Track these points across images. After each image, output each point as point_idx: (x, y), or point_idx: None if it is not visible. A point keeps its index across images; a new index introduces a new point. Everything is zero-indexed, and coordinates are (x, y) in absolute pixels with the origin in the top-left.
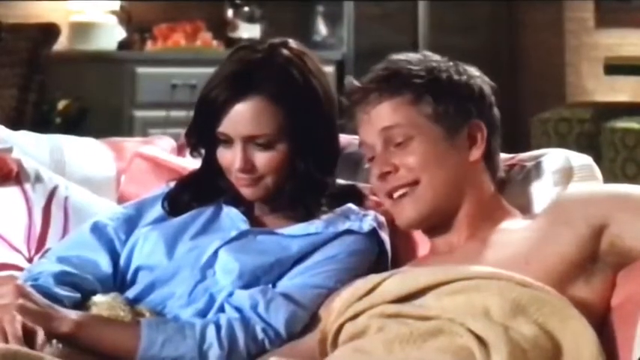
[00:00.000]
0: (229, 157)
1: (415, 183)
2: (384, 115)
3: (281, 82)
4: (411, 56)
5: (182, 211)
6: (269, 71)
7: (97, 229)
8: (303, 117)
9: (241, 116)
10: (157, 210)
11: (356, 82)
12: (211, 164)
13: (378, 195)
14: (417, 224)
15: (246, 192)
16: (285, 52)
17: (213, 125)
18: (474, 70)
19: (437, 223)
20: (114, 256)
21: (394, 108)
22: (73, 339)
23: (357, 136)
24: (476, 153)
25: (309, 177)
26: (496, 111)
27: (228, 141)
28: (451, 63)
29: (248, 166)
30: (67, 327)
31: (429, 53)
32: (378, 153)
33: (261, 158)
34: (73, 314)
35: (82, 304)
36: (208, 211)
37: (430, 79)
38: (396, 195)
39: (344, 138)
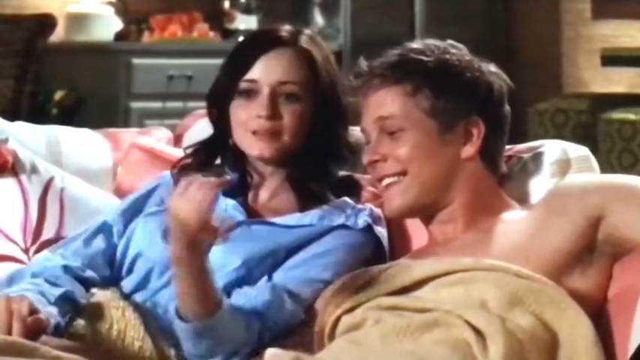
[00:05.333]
0: (252, 108)
1: (402, 174)
2: (381, 103)
3: (311, 41)
4: (430, 46)
5: None
6: (299, 33)
7: (103, 231)
8: (326, 87)
9: (273, 63)
10: (154, 200)
11: (364, 65)
12: (222, 132)
13: (371, 179)
14: (402, 214)
15: (262, 146)
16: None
17: (239, 76)
18: (490, 67)
19: (429, 214)
20: (113, 258)
21: (392, 98)
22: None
23: (356, 127)
24: (469, 150)
25: (321, 156)
26: (505, 111)
27: (252, 91)
28: (468, 57)
29: (274, 112)
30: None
31: (452, 43)
32: (372, 140)
33: (288, 109)
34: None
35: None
36: None
37: (435, 72)
38: (384, 183)
39: None
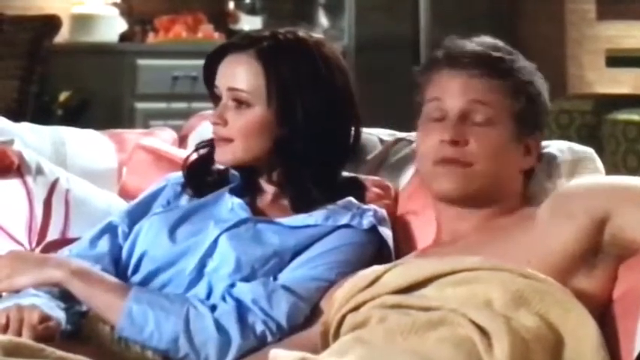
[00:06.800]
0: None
1: (469, 165)
2: (481, 89)
3: (274, 43)
4: (514, 52)
5: (205, 190)
6: (267, 35)
7: (109, 231)
8: (297, 92)
9: (225, 68)
10: (160, 201)
11: (463, 42)
12: None
13: (423, 156)
14: (451, 199)
15: (217, 153)
16: (301, 34)
17: (212, 82)
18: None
19: (462, 207)
20: (117, 258)
21: (494, 88)
22: (64, 286)
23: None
24: (529, 162)
25: (301, 158)
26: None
27: (219, 97)
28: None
29: (220, 120)
30: (61, 273)
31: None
32: (452, 118)
33: (234, 115)
34: (73, 263)
35: None
36: (212, 200)
37: (531, 81)
38: (447, 166)
39: None
